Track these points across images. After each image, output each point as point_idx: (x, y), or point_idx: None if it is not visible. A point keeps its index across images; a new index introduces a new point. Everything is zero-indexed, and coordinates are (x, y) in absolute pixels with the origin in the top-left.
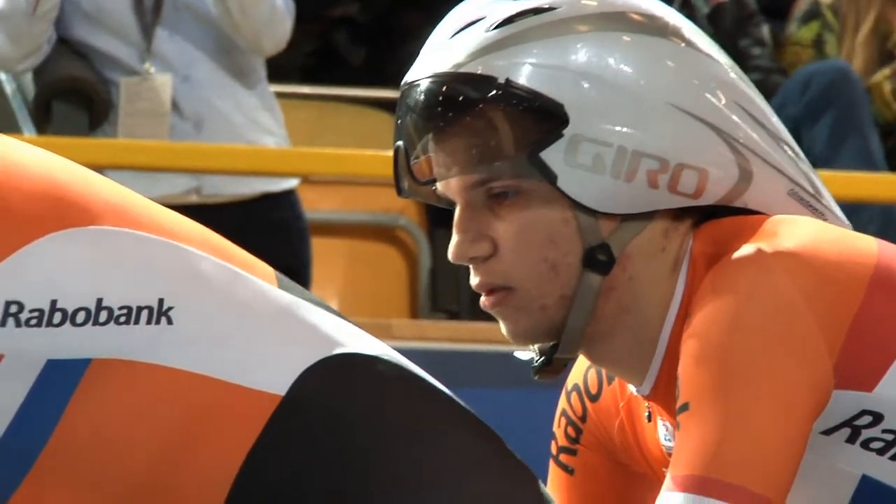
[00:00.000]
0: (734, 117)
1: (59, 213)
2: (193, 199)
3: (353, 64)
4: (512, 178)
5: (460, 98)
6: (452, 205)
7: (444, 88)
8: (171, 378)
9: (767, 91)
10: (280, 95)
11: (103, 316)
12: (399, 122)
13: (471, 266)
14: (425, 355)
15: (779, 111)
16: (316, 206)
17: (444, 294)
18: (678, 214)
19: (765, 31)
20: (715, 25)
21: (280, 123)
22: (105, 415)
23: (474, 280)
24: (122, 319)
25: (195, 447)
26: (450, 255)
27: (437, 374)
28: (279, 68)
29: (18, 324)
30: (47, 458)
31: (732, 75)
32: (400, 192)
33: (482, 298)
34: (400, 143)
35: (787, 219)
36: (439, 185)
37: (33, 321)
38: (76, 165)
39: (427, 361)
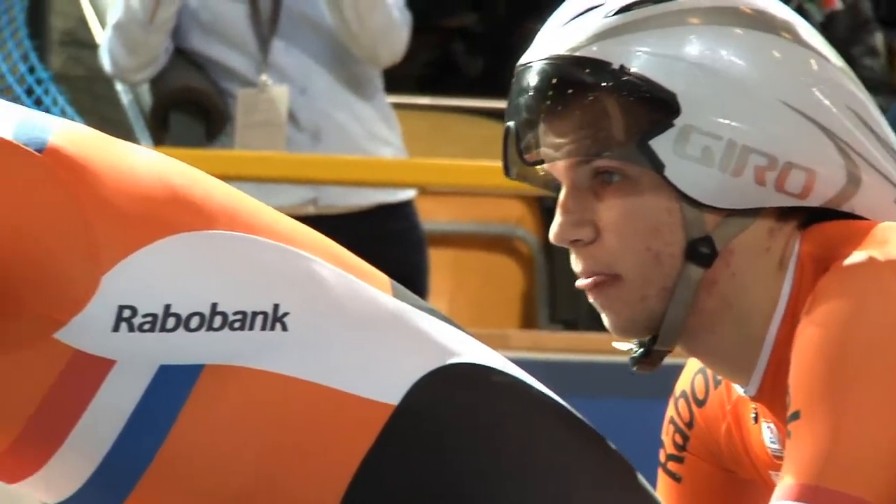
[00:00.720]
0: (845, 121)
1: (173, 217)
2: (310, 210)
3: (470, 74)
4: (619, 161)
5: (574, 81)
6: (557, 189)
7: (558, 71)
8: (284, 386)
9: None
10: (397, 106)
11: (217, 321)
12: (511, 102)
13: (572, 250)
14: (542, 366)
15: (893, 125)
16: (432, 216)
17: (562, 304)
18: (783, 214)
19: (878, 39)
20: (828, 33)
21: (397, 134)
22: (217, 421)
23: (576, 265)
24: (237, 325)
25: (306, 457)
26: (551, 235)
27: (554, 385)
28: (396, 79)
29: (131, 328)
30: (160, 464)
31: (845, 78)
32: (507, 172)
33: (582, 282)
34: (511, 123)
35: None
36: (546, 167)
37: (146, 326)
38: (192, 169)
39: (544, 372)
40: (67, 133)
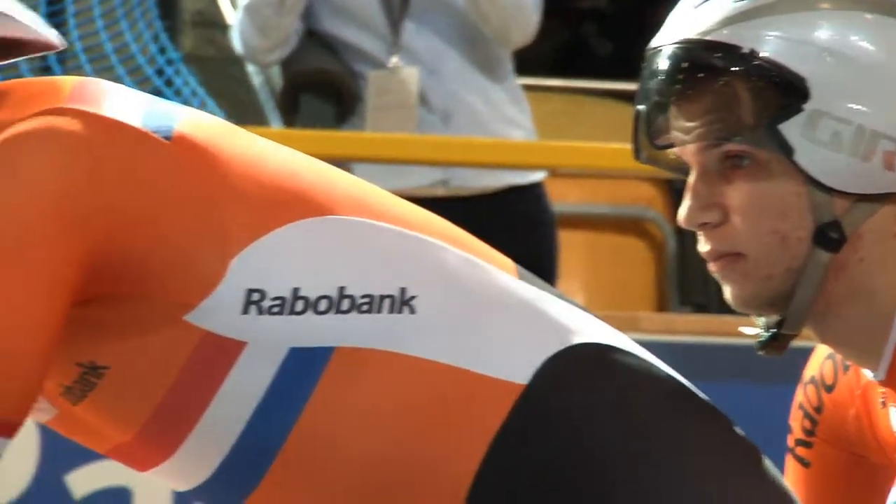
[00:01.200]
0: None
1: (299, 203)
2: (440, 191)
3: (601, 56)
4: (749, 145)
5: (705, 65)
6: (686, 173)
7: (689, 55)
8: (413, 367)
9: None
10: (528, 88)
11: (345, 304)
12: (642, 86)
13: (700, 233)
14: (673, 348)
15: None
16: (563, 198)
17: (693, 287)
18: None
19: None
20: None
21: (527, 116)
22: (348, 403)
23: (704, 247)
24: (365, 308)
25: (437, 437)
26: (680, 219)
27: (683, 368)
28: (526, 61)
29: (260, 311)
30: (291, 447)
31: None
32: (637, 156)
33: (710, 264)
34: (641, 107)
35: None
36: (676, 150)
37: (275, 309)
38: (314, 160)
39: (674, 355)
40: (193, 121)
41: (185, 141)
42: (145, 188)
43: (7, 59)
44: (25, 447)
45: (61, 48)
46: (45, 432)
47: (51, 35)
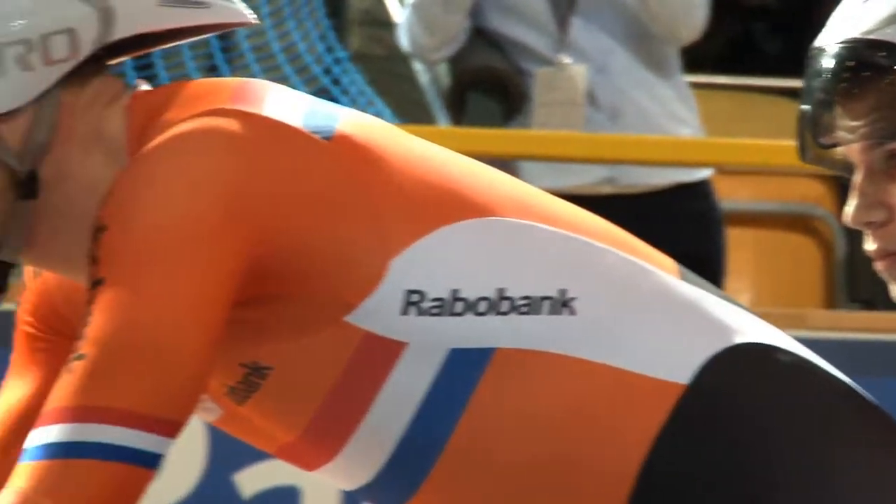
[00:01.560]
0: None
1: (460, 204)
2: (607, 189)
3: (770, 54)
4: None
5: (869, 64)
6: (852, 172)
7: (853, 54)
8: (574, 367)
9: None
10: (696, 86)
11: (505, 306)
12: (806, 86)
13: (866, 231)
14: (841, 345)
15: None
16: (730, 195)
17: (861, 284)
18: None
19: None
20: None
21: (695, 114)
22: (509, 403)
23: (870, 245)
24: (524, 309)
25: (598, 438)
26: (845, 218)
27: (852, 365)
28: (694, 58)
29: (420, 312)
30: (453, 447)
31: None
32: (802, 155)
33: (876, 262)
34: (806, 106)
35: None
36: (842, 150)
37: (435, 310)
38: (475, 161)
39: (843, 352)
40: (354, 121)
41: (345, 141)
42: (306, 188)
43: (197, 35)
44: (194, 447)
45: (252, 24)
46: (214, 432)
47: (240, 13)
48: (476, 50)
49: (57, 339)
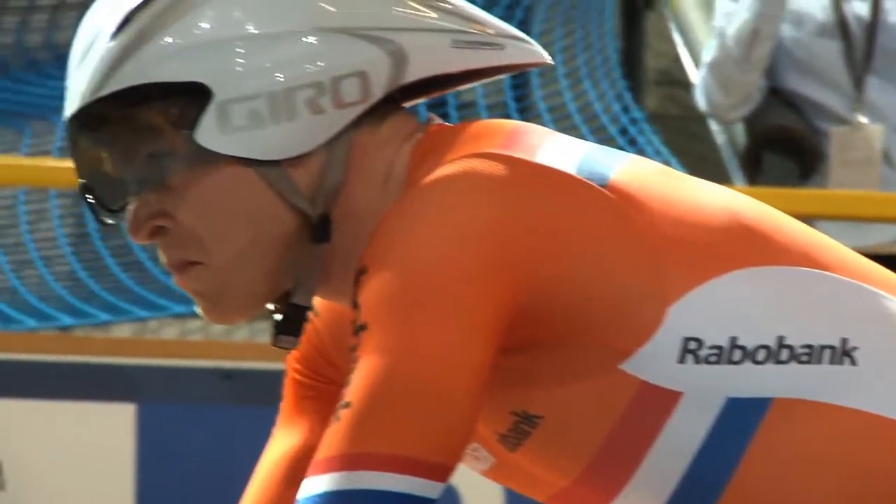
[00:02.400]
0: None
1: (740, 250)
2: None
3: None
4: None
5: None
6: None
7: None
8: (855, 420)
9: None
10: None
11: (784, 354)
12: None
13: None
14: None
15: None
16: None
17: None
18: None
19: None
20: None
21: None
22: (786, 456)
23: None
24: (804, 358)
25: (886, 489)
26: None
27: None
28: None
29: (697, 360)
30: (730, 494)
31: None
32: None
33: None
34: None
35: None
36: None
37: (712, 358)
38: (762, 205)
39: None
40: (631, 167)
41: (621, 187)
42: (578, 234)
43: (491, 76)
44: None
45: (547, 64)
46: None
47: (536, 52)
48: (772, 109)
49: (326, 385)
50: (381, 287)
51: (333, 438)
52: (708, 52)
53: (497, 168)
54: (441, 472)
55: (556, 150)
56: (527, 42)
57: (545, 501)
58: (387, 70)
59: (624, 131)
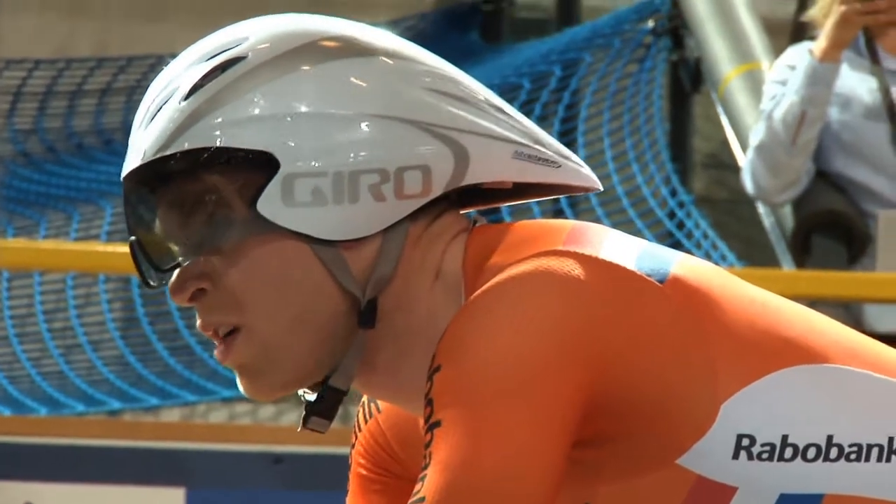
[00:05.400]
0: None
1: (791, 349)
2: None
3: None
4: None
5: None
6: None
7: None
8: None
9: None
10: None
11: (834, 452)
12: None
13: None
14: None
15: None
16: None
17: None
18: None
19: None
20: None
21: None
22: None
23: None
24: (853, 457)
25: None
26: None
27: None
28: None
29: (750, 457)
30: None
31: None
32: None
33: None
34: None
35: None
36: None
37: (765, 455)
38: (804, 307)
39: None
40: (687, 265)
41: (678, 284)
42: (640, 329)
43: (544, 195)
44: None
45: (599, 190)
46: None
47: (590, 177)
48: (819, 192)
49: (391, 480)
50: (453, 384)
51: None
52: (755, 136)
53: (566, 265)
54: None
55: (616, 246)
56: (581, 165)
57: None
58: (449, 168)
59: (672, 214)
